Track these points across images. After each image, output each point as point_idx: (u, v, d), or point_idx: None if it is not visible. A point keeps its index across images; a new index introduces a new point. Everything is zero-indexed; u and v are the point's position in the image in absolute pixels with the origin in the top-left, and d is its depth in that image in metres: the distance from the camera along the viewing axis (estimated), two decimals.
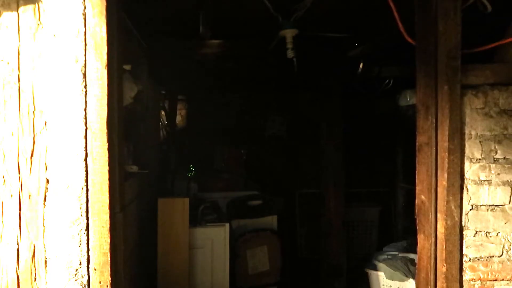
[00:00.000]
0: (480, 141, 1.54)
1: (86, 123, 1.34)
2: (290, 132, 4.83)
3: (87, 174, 1.34)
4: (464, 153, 1.53)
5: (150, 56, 3.11)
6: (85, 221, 1.34)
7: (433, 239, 1.53)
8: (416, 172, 1.62)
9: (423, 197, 1.59)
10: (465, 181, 1.54)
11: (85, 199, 1.34)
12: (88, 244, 1.35)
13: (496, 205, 1.55)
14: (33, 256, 1.34)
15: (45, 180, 1.34)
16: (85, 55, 1.33)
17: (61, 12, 1.33)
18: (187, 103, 4.90)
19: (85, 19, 1.33)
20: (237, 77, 4.15)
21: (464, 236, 1.54)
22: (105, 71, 1.34)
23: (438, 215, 1.53)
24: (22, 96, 1.33)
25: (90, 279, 1.35)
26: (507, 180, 1.55)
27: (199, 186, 3.74)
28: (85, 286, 1.35)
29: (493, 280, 1.55)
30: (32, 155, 1.34)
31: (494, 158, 1.55)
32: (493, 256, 1.55)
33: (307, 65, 2.91)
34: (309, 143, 4.50)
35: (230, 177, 4.26)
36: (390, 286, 2.76)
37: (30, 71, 1.33)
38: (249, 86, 4.61)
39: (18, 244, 1.34)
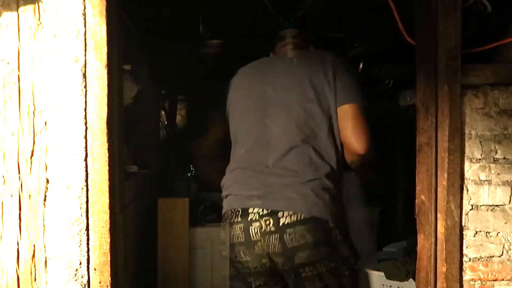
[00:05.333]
0: (480, 141, 1.54)
1: (86, 123, 1.34)
2: None
3: (87, 174, 1.34)
4: (464, 153, 1.53)
5: (150, 56, 3.11)
6: (85, 221, 1.34)
7: (433, 239, 1.53)
8: (416, 172, 1.62)
9: (423, 197, 1.59)
10: (465, 181, 1.54)
11: (85, 199, 1.34)
12: (88, 244, 1.35)
13: (496, 205, 1.55)
14: (33, 256, 1.34)
15: (45, 180, 1.34)
16: (85, 55, 1.33)
17: (61, 12, 1.33)
18: (187, 103, 4.90)
19: (85, 19, 1.33)
20: None
21: (464, 236, 1.54)
22: (105, 71, 1.34)
23: (438, 215, 1.53)
24: (22, 96, 1.33)
25: (90, 279, 1.35)
26: (507, 180, 1.55)
27: (199, 186, 3.73)
28: (85, 286, 1.35)
29: (493, 280, 1.55)
30: (32, 155, 1.34)
31: (494, 158, 1.55)
32: (493, 256, 1.55)
33: None
34: None
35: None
36: (390, 286, 2.75)
37: (30, 71, 1.34)
38: None
39: (18, 244, 1.34)
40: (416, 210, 1.63)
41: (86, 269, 1.35)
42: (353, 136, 1.64)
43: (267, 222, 1.48)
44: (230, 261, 1.63)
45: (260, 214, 1.50)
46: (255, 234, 1.50)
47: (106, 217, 1.35)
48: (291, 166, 1.55)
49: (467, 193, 1.54)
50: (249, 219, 1.50)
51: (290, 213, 1.48)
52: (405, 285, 2.69)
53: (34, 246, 1.34)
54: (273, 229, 1.48)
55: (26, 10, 1.33)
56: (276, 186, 1.52)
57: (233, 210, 1.54)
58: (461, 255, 1.53)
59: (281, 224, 1.48)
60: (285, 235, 1.48)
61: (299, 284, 1.60)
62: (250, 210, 1.51)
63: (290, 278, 1.60)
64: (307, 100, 1.63)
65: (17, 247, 1.34)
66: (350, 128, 1.64)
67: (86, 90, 1.34)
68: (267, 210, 1.49)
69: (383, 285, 2.79)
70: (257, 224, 1.49)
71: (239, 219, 1.52)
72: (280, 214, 1.48)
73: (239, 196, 1.57)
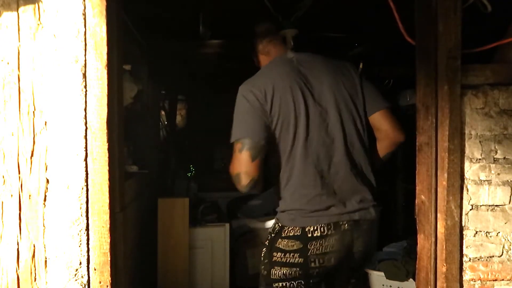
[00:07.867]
0: (480, 141, 1.54)
1: (86, 123, 1.34)
2: None
3: (87, 174, 1.34)
4: (464, 153, 1.53)
5: (150, 56, 3.11)
6: (85, 221, 1.34)
7: (433, 239, 1.54)
8: (416, 172, 1.62)
9: (423, 197, 1.59)
10: (465, 181, 1.54)
11: (85, 199, 1.34)
12: (88, 244, 1.35)
13: (496, 205, 1.55)
14: (33, 256, 1.34)
15: (45, 180, 1.34)
16: (85, 55, 1.33)
17: (61, 12, 1.33)
18: (187, 103, 4.90)
19: (85, 19, 1.33)
20: (237, 77, 4.14)
21: (464, 236, 1.54)
22: (105, 71, 1.34)
23: (438, 215, 1.53)
24: (22, 96, 1.33)
25: (90, 279, 1.35)
26: (507, 180, 1.55)
27: (199, 186, 3.74)
28: (85, 286, 1.35)
29: (493, 280, 1.55)
30: (32, 155, 1.34)
31: (494, 158, 1.55)
32: (493, 256, 1.55)
33: None
34: None
35: (230, 177, 4.25)
36: (390, 286, 2.76)
37: (30, 71, 1.34)
38: None
39: (18, 244, 1.34)
40: (416, 210, 1.63)
41: (86, 269, 1.35)
42: (395, 131, 1.89)
43: (353, 230, 1.79)
44: (301, 267, 1.76)
45: (350, 224, 1.78)
46: (348, 241, 1.79)
47: (106, 217, 1.35)
48: (358, 181, 1.81)
49: (467, 193, 1.54)
50: (342, 229, 1.76)
51: (366, 220, 1.82)
52: (405, 285, 2.70)
53: (34, 246, 1.34)
54: (356, 235, 1.80)
55: (26, 10, 1.33)
56: (353, 200, 1.80)
57: (323, 225, 1.74)
58: (461, 255, 1.53)
59: (362, 229, 1.82)
60: (364, 236, 1.82)
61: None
62: (341, 223, 1.77)
63: (359, 267, 1.99)
64: (351, 112, 1.83)
65: (17, 247, 1.34)
66: (390, 126, 1.89)
67: (86, 90, 1.34)
68: (353, 220, 1.78)
69: (383, 285, 2.79)
70: (349, 233, 1.78)
71: (333, 232, 1.75)
72: (361, 222, 1.81)
73: (325, 213, 1.77)
